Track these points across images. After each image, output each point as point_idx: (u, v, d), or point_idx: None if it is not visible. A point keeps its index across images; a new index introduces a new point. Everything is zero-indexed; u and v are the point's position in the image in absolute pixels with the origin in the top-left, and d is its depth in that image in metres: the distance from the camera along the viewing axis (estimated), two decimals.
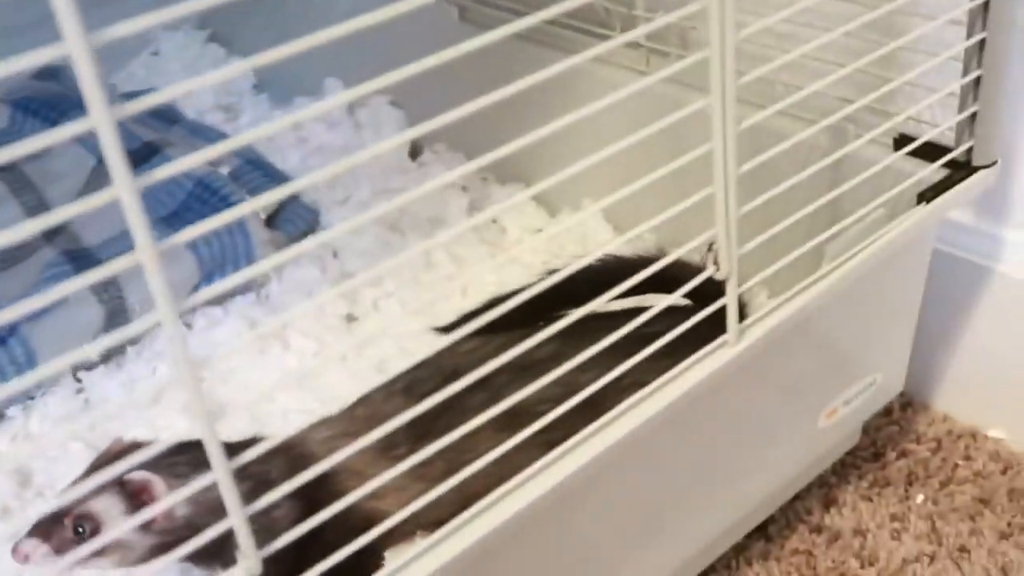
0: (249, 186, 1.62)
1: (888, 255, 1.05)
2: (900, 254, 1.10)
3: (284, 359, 1.40)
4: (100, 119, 0.51)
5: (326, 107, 0.67)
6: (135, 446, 1.04)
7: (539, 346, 0.83)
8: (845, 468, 1.36)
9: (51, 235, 1.55)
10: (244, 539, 0.68)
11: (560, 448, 0.85)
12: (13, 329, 1.38)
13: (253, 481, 0.89)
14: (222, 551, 0.97)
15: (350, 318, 1.51)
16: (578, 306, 1.10)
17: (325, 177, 0.67)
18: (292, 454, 1.08)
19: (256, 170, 1.68)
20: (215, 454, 0.65)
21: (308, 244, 0.70)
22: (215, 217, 0.58)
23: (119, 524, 0.97)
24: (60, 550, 0.97)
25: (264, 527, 0.70)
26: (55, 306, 1.40)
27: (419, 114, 0.68)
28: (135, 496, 0.99)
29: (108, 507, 0.98)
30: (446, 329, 1.21)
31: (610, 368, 0.87)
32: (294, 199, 1.68)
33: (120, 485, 0.99)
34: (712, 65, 0.81)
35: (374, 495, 1.04)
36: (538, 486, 0.83)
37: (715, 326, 0.93)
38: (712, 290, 0.94)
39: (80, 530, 0.98)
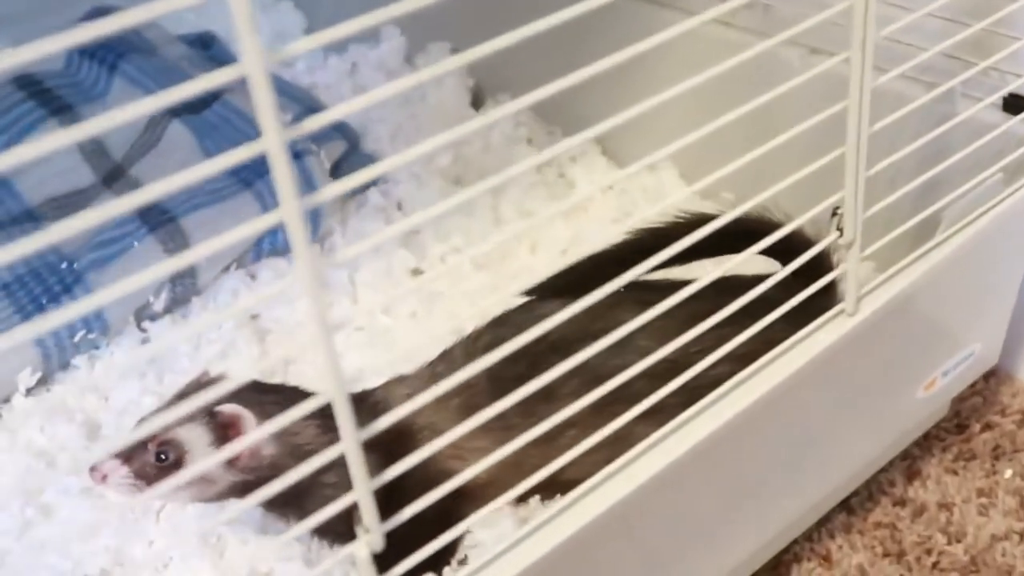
0: (314, 135, 1.58)
1: (1004, 222, 1.01)
2: (1013, 220, 1.05)
3: (353, 315, 1.36)
4: (272, 142, 0.48)
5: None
6: (226, 380, 1.01)
7: (622, 312, 0.79)
8: (928, 440, 1.32)
9: (110, 181, 1.52)
10: (369, 515, 0.65)
11: (669, 427, 0.81)
12: (79, 277, 1.34)
13: (335, 434, 0.87)
14: (302, 500, 0.95)
15: (416, 272, 1.47)
16: (666, 265, 1.06)
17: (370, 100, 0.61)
18: (378, 410, 1.05)
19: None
20: (346, 426, 0.61)
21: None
22: None
23: (204, 455, 0.95)
24: (140, 474, 0.95)
25: (349, 485, 0.67)
26: (120, 254, 1.37)
27: (481, 61, 0.62)
28: (223, 429, 0.96)
29: (194, 437, 0.96)
30: (534, 291, 1.17)
31: (698, 340, 0.82)
32: (355, 150, 1.64)
33: (210, 416, 0.96)
34: (855, 16, 0.76)
35: (457, 457, 1.02)
36: (648, 466, 0.79)
37: (814, 296, 0.88)
38: (802, 251, 0.90)
39: (163, 457, 0.95)
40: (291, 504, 1.00)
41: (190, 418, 0.96)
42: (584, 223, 1.53)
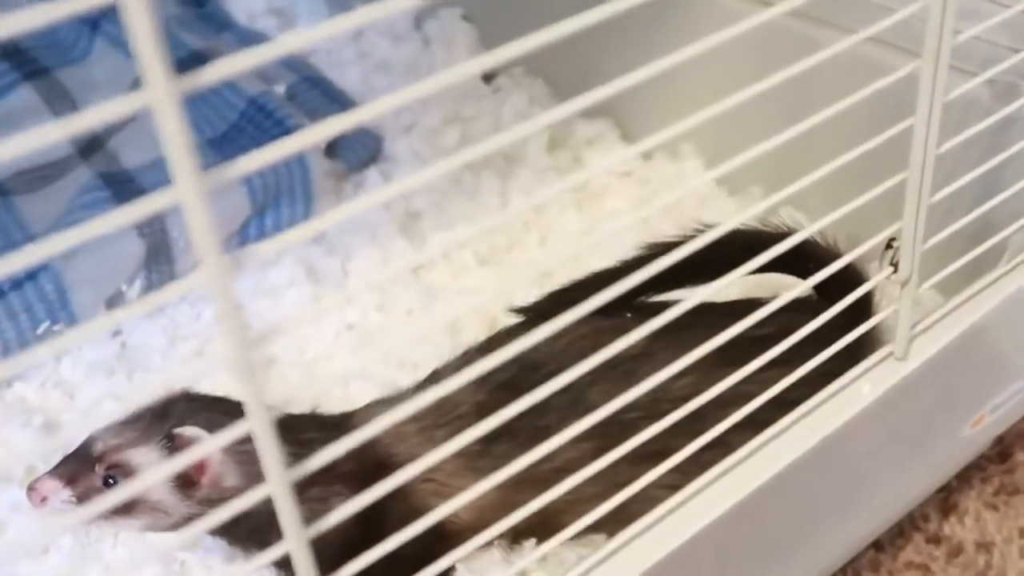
0: (306, 107, 1.46)
1: None
2: None
3: (344, 311, 1.25)
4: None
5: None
6: (192, 399, 0.91)
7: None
8: (968, 470, 1.21)
9: (87, 152, 1.40)
10: (287, 514, 0.53)
11: (696, 488, 0.70)
12: (43, 263, 1.23)
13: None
14: (265, 535, 0.84)
15: (417, 266, 1.35)
16: (676, 284, 0.95)
17: (392, 104, 0.49)
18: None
19: (313, 88, 1.51)
20: (272, 464, 0.49)
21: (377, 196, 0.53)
22: (271, 147, 0.42)
23: (159, 484, 0.85)
24: (84, 499, 0.85)
25: (318, 514, 0.56)
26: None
27: (494, 30, 0.50)
28: (183, 452, 0.85)
29: (149, 462, 0.85)
30: (526, 311, 1.06)
31: (710, 374, 0.73)
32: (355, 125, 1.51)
33: (167, 439, 0.86)
34: (930, 19, 0.63)
35: (442, 495, 0.92)
36: (680, 529, 0.69)
37: (846, 321, 0.76)
38: (842, 278, 0.78)
39: (111, 481, 0.85)
40: (254, 539, 0.90)
41: (145, 439, 0.86)
42: (599, 213, 1.40)
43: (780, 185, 0.71)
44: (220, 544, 0.98)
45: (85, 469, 0.86)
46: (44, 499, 0.85)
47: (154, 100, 0.37)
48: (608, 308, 0.84)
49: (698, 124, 0.69)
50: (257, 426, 0.46)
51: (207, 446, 0.81)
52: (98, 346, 1.22)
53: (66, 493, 0.85)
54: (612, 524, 0.75)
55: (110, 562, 0.99)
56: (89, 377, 1.19)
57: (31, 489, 0.85)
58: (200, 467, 0.85)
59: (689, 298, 0.67)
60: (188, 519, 0.87)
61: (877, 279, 0.74)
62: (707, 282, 0.85)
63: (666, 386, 0.76)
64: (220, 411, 0.89)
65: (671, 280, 0.95)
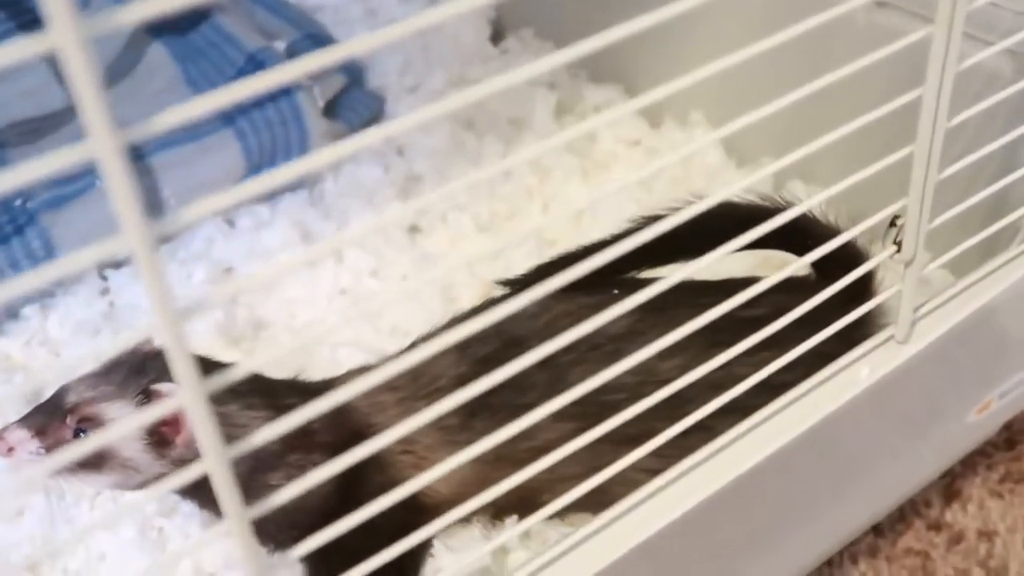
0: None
1: None
2: None
3: (337, 275, 1.22)
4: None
5: None
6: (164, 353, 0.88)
7: (614, 319, 0.64)
8: (972, 456, 1.17)
9: None
10: (246, 548, 0.50)
11: (690, 465, 0.67)
12: (31, 217, 1.21)
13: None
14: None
15: (414, 229, 1.32)
16: (667, 259, 0.92)
17: (378, 42, 0.45)
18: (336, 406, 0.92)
19: (315, 46, 1.47)
20: (207, 440, 0.46)
21: (372, 135, 0.49)
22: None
23: (131, 439, 0.82)
24: (52, 451, 0.82)
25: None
26: (79, 194, 1.23)
27: None
28: None
29: (123, 416, 0.83)
30: (513, 283, 1.03)
31: (699, 356, 0.69)
32: (357, 85, 1.48)
33: (143, 394, 0.83)
34: None
35: (420, 468, 0.90)
36: (666, 510, 0.66)
37: (845, 302, 0.73)
38: (842, 257, 0.74)
39: (82, 434, 0.83)
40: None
41: (120, 393, 0.83)
42: (605, 183, 1.36)
43: (790, 151, 0.67)
44: (197, 511, 0.96)
45: (56, 421, 0.83)
46: (11, 449, 0.82)
47: (60, 43, 0.34)
48: (596, 285, 0.81)
49: (707, 90, 0.65)
50: (190, 400, 0.43)
51: (179, 399, 0.78)
52: (86, 305, 1.20)
53: (34, 444, 0.82)
54: (594, 507, 0.72)
55: (85, 525, 0.97)
56: (75, 335, 1.17)
57: None
58: (175, 426, 0.82)
59: (676, 274, 0.63)
60: (160, 479, 0.84)
61: (879, 258, 0.70)
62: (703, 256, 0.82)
63: (652, 368, 0.73)
64: (201, 369, 0.86)
65: (666, 255, 0.92)
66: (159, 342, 0.86)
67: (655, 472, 0.72)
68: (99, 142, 0.36)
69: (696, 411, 0.69)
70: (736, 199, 0.95)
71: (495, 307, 0.92)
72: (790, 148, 0.65)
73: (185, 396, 0.43)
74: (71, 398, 0.83)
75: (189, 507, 0.96)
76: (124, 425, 0.46)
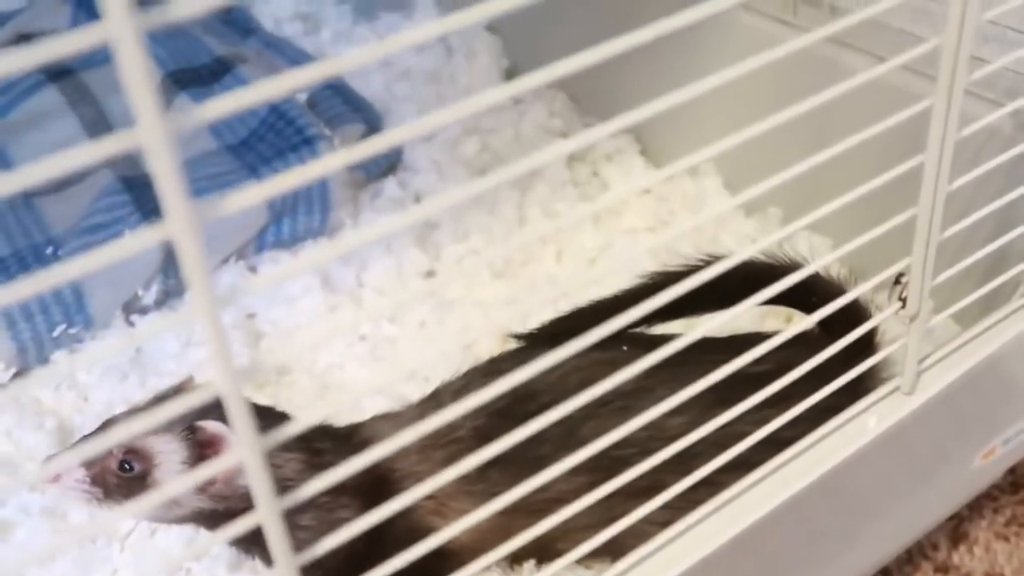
0: (327, 115, 1.46)
1: None
2: None
3: (357, 320, 1.26)
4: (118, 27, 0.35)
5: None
6: (210, 391, 0.91)
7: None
8: (979, 499, 1.19)
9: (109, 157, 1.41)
10: (276, 542, 0.53)
11: (701, 516, 0.70)
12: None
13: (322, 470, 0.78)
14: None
15: (430, 275, 1.35)
16: (676, 315, 0.95)
17: (422, 130, 0.49)
18: (361, 450, 0.95)
19: (335, 96, 1.51)
20: (262, 493, 0.49)
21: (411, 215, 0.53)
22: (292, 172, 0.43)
23: (174, 473, 0.85)
24: (98, 481, 0.85)
25: (327, 529, 0.57)
26: (107, 242, 1.26)
27: (516, 41, 0.50)
28: (201, 447, 0.86)
29: (168, 451, 0.86)
30: (528, 337, 1.06)
31: (706, 413, 0.72)
32: (374, 133, 1.52)
33: (189, 430, 0.86)
34: (944, 56, 0.63)
35: (440, 513, 0.93)
36: (681, 558, 0.69)
37: (848, 356, 0.76)
38: (846, 312, 0.78)
39: (127, 467, 0.85)
40: (260, 544, 0.90)
41: (167, 428, 0.86)
42: (616, 230, 1.40)
43: (797, 205, 0.70)
44: (224, 553, 0.99)
45: (101, 452, 0.86)
46: (58, 477, 0.85)
47: (147, 139, 0.37)
48: (607, 339, 0.85)
49: (716, 139, 0.69)
50: (248, 456, 0.46)
51: (231, 447, 0.81)
52: (113, 350, 1.23)
53: (80, 473, 0.85)
54: (610, 554, 0.75)
55: (117, 567, 1.00)
56: (103, 380, 1.20)
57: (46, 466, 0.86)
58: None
59: (689, 334, 0.66)
60: (198, 513, 0.88)
61: (885, 315, 0.73)
62: (711, 312, 0.85)
63: (661, 424, 0.76)
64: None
65: (675, 310, 0.95)
66: (200, 381, 0.89)
67: (665, 524, 0.75)
68: (177, 222, 0.40)
69: (703, 466, 0.72)
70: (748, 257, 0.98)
71: (514, 362, 0.96)
72: (797, 196, 0.68)
73: (243, 451, 0.47)
74: (117, 433, 0.86)
75: (217, 549, 0.99)
76: (185, 479, 0.49)
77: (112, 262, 0.40)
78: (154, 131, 0.37)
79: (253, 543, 0.91)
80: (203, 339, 0.44)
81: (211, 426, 0.85)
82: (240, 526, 0.50)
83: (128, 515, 0.91)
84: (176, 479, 0.85)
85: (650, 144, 1.50)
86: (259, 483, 0.48)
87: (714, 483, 0.75)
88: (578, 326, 0.66)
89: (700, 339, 0.97)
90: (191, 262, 0.41)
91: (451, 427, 0.95)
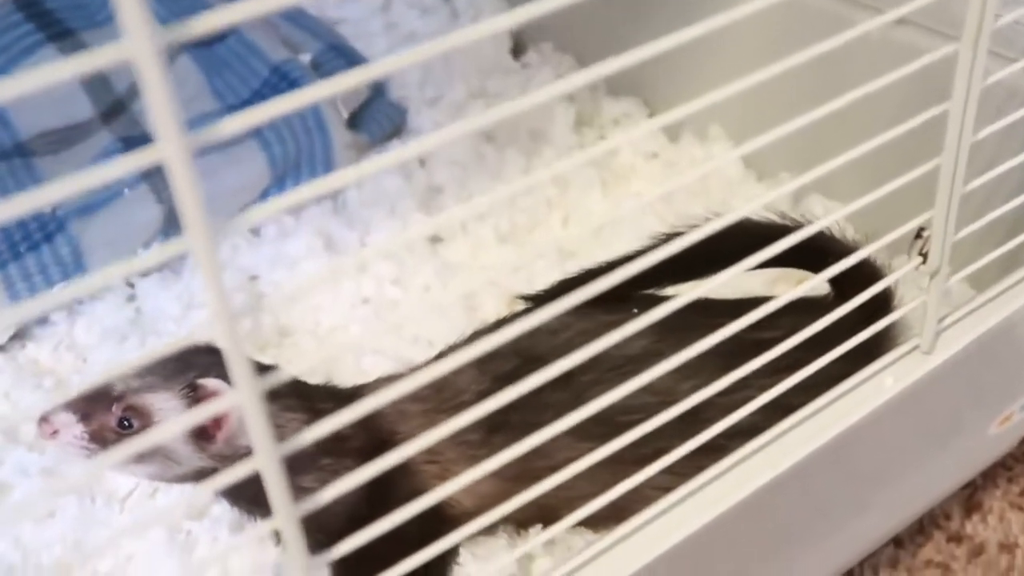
0: (331, 77, 1.43)
1: None
2: None
3: (360, 284, 1.24)
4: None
5: None
6: (215, 351, 0.90)
7: (632, 340, 0.65)
8: (992, 468, 1.17)
9: (109, 117, 1.39)
10: (294, 548, 0.52)
11: (710, 477, 0.68)
12: (61, 225, 1.22)
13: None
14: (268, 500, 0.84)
15: (435, 239, 1.33)
16: (686, 277, 0.93)
17: (407, 62, 0.47)
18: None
19: (339, 58, 1.49)
20: (260, 437, 0.47)
21: (401, 152, 0.50)
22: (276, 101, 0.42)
23: (174, 432, 0.83)
24: (96, 438, 0.83)
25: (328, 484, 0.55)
26: (108, 202, 1.24)
27: (523, 4, 0.49)
28: (203, 404, 0.84)
29: (168, 408, 0.84)
30: (535, 298, 1.04)
31: (713, 377, 0.70)
32: (380, 97, 1.49)
33: (190, 388, 0.85)
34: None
35: (444, 478, 0.91)
36: (690, 520, 0.67)
37: (862, 322, 0.74)
38: (860, 275, 0.76)
39: (127, 423, 0.83)
40: (261, 503, 0.89)
41: (167, 386, 0.85)
42: (624, 195, 1.38)
43: (809, 167, 0.68)
44: (227, 514, 0.97)
45: (102, 408, 0.84)
46: (55, 432, 0.83)
47: (138, 53, 0.35)
48: (616, 303, 0.83)
49: (726, 104, 0.66)
50: (245, 396, 0.44)
51: (229, 398, 0.79)
52: (113, 311, 1.21)
53: (79, 429, 0.83)
54: (614, 523, 0.74)
55: (115, 528, 0.98)
56: (103, 341, 1.18)
57: (43, 420, 0.83)
58: (217, 422, 0.83)
59: (691, 292, 0.64)
60: (198, 472, 0.86)
61: (905, 269, 0.71)
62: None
63: (670, 389, 0.74)
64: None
65: (684, 273, 0.93)
66: (203, 340, 0.88)
67: (671, 491, 0.74)
68: (169, 147, 0.38)
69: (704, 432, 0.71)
70: (755, 216, 0.96)
71: (516, 322, 0.94)
72: (809, 162, 0.66)
73: (242, 393, 0.45)
74: (118, 387, 0.84)
75: (218, 510, 0.98)
76: (176, 423, 0.47)
77: (94, 185, 0.38)
78: (143, 45, 0.35)
79: (255, 503, 0.89)
80: (202, 278, 0.42)
81: (212, 383, 0.83)
82: (237, 472, 0.48)
83: (125, 473, 0.89)
84: (175, 437, 0.84)
85: (659, 109, 1.47)
86: (257, 426, 0.46)
87: (722, 450, 0.73)
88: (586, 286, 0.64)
89: (711, 304, 0.96)
90: (184, 187, 0.39)
91: (455, 391, 0.93)
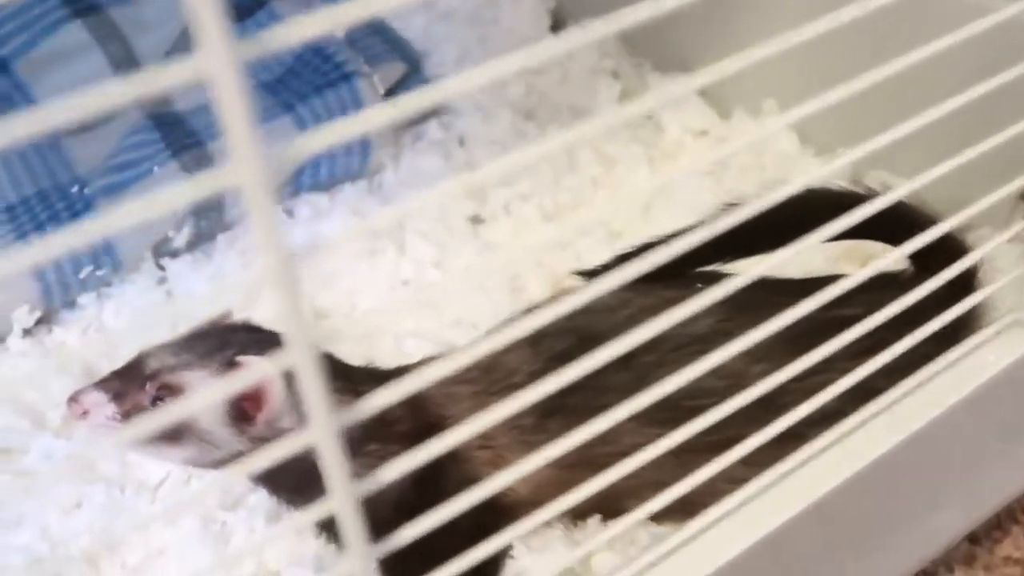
0: (366, 53, 1.38)
1: None
2: None
3: (399, 265, 1.18)
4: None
5: None
6: (253, 329, 0.85)
7: (698, 318, 0.61)
8: None
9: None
10: (353, 533, 0.46)
11: (781, 474, 0.63)
12: (88, 204, 1.18)
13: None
14: (313, 489, 0.79)
15: (476, 220, 1.27)
16: (749, 252, 0.87)
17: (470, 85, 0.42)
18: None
19: (375, 35, 1.43)
20: (319, 414, 0.42)
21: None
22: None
23: (212, 411, 0.78)
24: (129, 418, 0.78)
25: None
26: (136, 180, 1.19)
27: None
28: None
29: (205, 386, 0.79)
30: (590, 274, 0.99)
31: (788, 359, 0.64)
32: (416, 73, 1.44)
33: (228, 365, 0.79)
34: None
35: (497, 465, 0.85)
36: (764, 520, 0.61)
37: (945, 300, 0.68)
38: (942, 249, 0.70)
39: (160, 402, 0.78)
40: (302, 492, 0.83)
41: (203, 363, 0.79)
42: (672, 174, 1.31)
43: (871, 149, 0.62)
44: (264, 503, 0.92)
45: (134, 386, 0.79)
46: (85, 412, 0.78)
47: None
48: (677, 279, 0.77)
49: (781, 76, 0.61)
50: (300, 361, 0.39)
51: (267, 373, 0.74)
52: (143, 294, 1.17)
53: (111, 409, 0.78)
54: (683, 515, 0.68)
55: (146, 519, 0.93)
56: (132, 325, 1.13)
57: (73, 400, 0.79)
58: (258, 401, 0.78)
59: (760, 264, 0.59)
60: (236, 458, 0.81)
61: (1008, 234, 0.64)
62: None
63: (742, 372, 0.70)
64: (278, 344, 0.83)
65: (748, 247, 0.87)
66: (240, 317, 0.83)
67: (741, 481, 0.68)
68: (215, 53, 0.32)
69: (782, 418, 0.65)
70: (823, 185, 0.91)
71: (570, 298, 0.88)
72: (869, 137, 0.60)
73: (296, 354, 0.39)
74: (152, 364, 0.79)
75: (255, 499, 0.92)
76: (212, 392, 0.42)
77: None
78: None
79: (296, 490, 0.84)
80: (253, 227, 0.37)
81: (253, 360, 0.78)
82: (289, 446, 0.42)
83: (161, 458, 0.83)
84: (212, 419, 0.79)
85: (707, 85, 1.41)
86: (315, 394, 0.40)
87: (801, 438, 0.67)
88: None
89: (780, 283, 0.90)
90: (232, 105, 0.33)
91: (507, 372, 0.88)
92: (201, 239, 1.22)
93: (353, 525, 0.44)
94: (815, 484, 0.66)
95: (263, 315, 1.08)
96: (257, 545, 0.89)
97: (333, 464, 0.42)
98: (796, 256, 0.59)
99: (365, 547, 0.45)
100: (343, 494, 0.43)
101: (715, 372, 0.60)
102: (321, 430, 0.41)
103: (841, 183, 0.91)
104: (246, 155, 0.35)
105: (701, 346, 0.83)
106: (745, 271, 0.58)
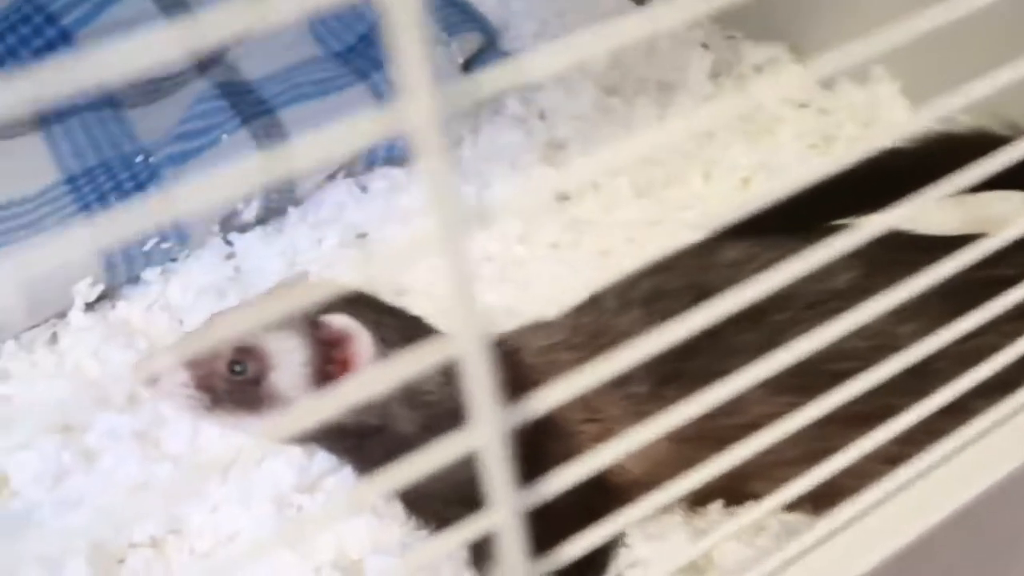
0: (442, 23, 1.31)
1: None
2: None
3: (483, 241, 1.11)
4: None
5: None
6: (333, 286, 0.77)
7: (836, 272, 0.57)
8: None
9: (205, 66, 1.28)
10: (514, 553, 0.37)
11: (940, 458, 0.54)
12: (153, 173, 1.11)
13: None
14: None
15: (561, 197, 1.19)
16: (882, 204, 0.78)
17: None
18: (508, 362, 0.79)
19: (450, 6, 1.36)
20: (486, 408, 0.34)
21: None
22: None
23: (295, 376, 0.71)
24: (204, 385, 0.71)
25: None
26: (204, 149, 1.13)
27: None
28: (326, 347, 0.72)
29: (286, 349, 0.72)
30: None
31: (939, 322, 0.56)
32: (492, 46, 1.36)
33: (311, 326, 0.72)
34: None
35: (603, 439, 0.77)
36: (918, 514, 0.53)
37: None
38: None
39: (238, 369, 0.72)
40: (379, 462, 0.75)
41: (284, 324, 0.72)
42: (771, 148, 1.23)
43: (997, 107, 0.53)
44: (343, 481, 0.84)
45: (208, 352, 0.72)
46: (155, 380, 0.71)
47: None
48: (812, 233, 0.68)
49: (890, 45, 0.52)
50: (468, 349, 0.31)
51: (357, 333, 0.67)
52: (210, 269, 1.10)
53: (184, 376, 0.71)
54: (817, 500, 0.58)
55: (216, 502, 0.85)
56: (198, 301, 1.06)
57: (141, 367, 0.73)
58: (344, 365, 0.70)
59: (895, 213, 0.50)
60: (322, 430, 0.73)
61: None
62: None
63: (888, 332, 0.62)
64: (365, 306, 0.75)
65: (880, 199, 0.78)
66: (317, 278, 0.75)
67: (894, 462, 0.58)
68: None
69: (943, 386, 0.56)
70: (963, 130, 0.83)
71: (691, 255, 0.79)
72: (994, 97, 0.52)
73: (463, 343, 0.31)
74: (227, 327, 0.72)
75: (334, 481, 0.85)
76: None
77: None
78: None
79: (381, 463, 0.76)
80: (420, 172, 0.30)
81: (337, 320, 0.70)
82: (450, 448, 0.34)
83: (238, 429, 0.76)
84: (295, 385, 0.71)
85: (807, 54, 1.32)
86: (482, 388, 0.32)
87: (962, 410, 0.58)
88: (763, 220, 0.52)
89: (924, 239, 0.81)
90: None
91: (615, 336, 0.79)
92: (271, 213, 1.15)
93: (515, 541, 0.36)
94: (987, 467, 0.57)
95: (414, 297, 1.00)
96: (337, 532, 0.81)
97: (498, 472, 0.34)
98: (934, 204, 0.51)
99: (527, 564, 0.37)
100: (507, 507, 0.35)
101: (858, 332, 0.51)
102: (487, 432, 0.33)
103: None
104: (420, 91, 0.27)
105: (840, 303, 0.74)
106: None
